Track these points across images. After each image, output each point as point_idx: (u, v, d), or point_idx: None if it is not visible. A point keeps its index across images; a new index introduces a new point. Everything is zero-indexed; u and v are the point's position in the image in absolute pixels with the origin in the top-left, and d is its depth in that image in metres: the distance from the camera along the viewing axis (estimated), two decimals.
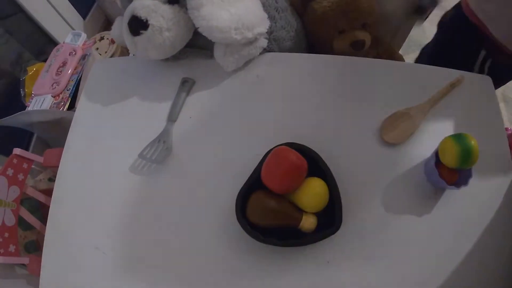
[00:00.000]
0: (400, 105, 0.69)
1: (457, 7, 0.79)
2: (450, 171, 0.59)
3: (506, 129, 0.70)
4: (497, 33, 0.71)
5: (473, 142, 0.54)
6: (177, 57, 0.74)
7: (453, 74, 0.72)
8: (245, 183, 0.58)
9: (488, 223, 0.60)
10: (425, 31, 1.72)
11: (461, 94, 0.70)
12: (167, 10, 0.64)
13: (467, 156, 0.55)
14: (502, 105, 1.61)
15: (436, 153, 0.60)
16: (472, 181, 0.57)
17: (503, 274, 0.57)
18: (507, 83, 1.60)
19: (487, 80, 0.73)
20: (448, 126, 0.67)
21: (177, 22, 0.65)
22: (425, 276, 0.57)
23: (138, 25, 0.64)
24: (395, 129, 0.67)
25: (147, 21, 0.64)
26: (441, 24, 0.82)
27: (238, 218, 0.55)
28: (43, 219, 0.90)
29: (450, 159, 0.57)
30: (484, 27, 0.72)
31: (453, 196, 0.61)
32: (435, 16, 0.87)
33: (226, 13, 0.62)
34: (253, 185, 0.57)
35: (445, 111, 0.69)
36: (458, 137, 0.56)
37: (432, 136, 0.65)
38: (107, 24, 1.64)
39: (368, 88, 0.72)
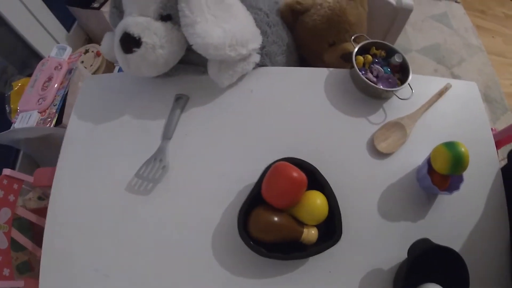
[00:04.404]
0: (391, 115, 0.71)
1: None
2: (442, 177, 0.61)
3: (491, 129, 0.73)
4: None
5: (463, 149, 0.56)
6: (169, 74, 0.74)
7: (440, 82, 0.75)
8: (245, 200, 0.58)
9: (479, 225, 0.62)
10: (409, 37, 1.77)
11: (449, 100, 0.73)
12: (160, 27, 0.64)
13: (458, 163, 0.57)
14: (484, 105, 1.68)
15: (428, 161, 0.61)
16: (463, 185, 0.59)
17: (495, 272, 0.59)
18: (489, 83, 1.67)
19: (472, 86, 0.76)
20: (438, 133, 0.69)
21: (170, 40, 0.65)
22: None
23: (130, 43, 0.64)
24: (388, 139, 0.69)
25: (140, 38, 0.63)
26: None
27: (240, 234, 0.55)
28: (34, 238, 0.88)
29: (442, 166, 0.58)
30: None
31: (445, 201, 0.64)
32: None
33: (220, 30, 0.63)
34: (254, 200, 0.58)
35: (434, 118, 0.72)
36: (449, 145, 0.58)
37: (422, 144, 0.67)
38: (92, 37, 1.61)
39: (359, 99, 0.73)
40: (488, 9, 1.99)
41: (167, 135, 0.69)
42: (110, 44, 0.75)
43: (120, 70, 1.27)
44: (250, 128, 0.71)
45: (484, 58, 1.76)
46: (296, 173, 0.54)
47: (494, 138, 0.71)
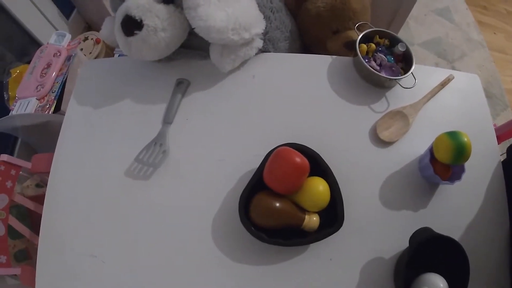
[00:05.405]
0: (393, 104, 0.71)
1: None
2: (444, 167, 0.61)
3: None
4: None
5: (466, 139, 0.56)
6: (171, 58, 0.73)
7: (442, 73, 0.74)
8: (247, 185, 0.57)
9: (480, 215, 0.62)
10: (412, 31, 1.77)
11: (451, 92, 0.73)
12: (162, 9, 0.63)
13: (461, 152, 0.56)
14: None
15: (431, 150, 0.61)
16: (464, 176, 0.59)
17: (494, 261, 0.60)
18: (490, 79, 1.67)
19: (474, 78, 0.75)
20: (440, 123, 0.69)
21: (173, 22, 0.64)
22: None
23: (132, 25, 0.63)
24: (390, 127, 0.69)
25: (141, 21, 0.62)
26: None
27: (242, 220, 0.55)
28: (32, 226, 0.88)
29: (444, 155, 0.58)
30: None
31: (447, 191, 0.64)
32: None
33: (223, 14, 0.62)
34: (255, 186, 0.57)
35: (437, 109, 0.71)
36: (452, 134, 0.57)
37: (424, 134, 0.67)
38: (91, 24, 1.60)
39: (362, 87, 0.73)
40: (490, 5, 1.98)
41: (167, 120, 0.68)
42: (110, 28, 0.73)
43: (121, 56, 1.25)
44: (252, 113, 0.70)
45: (486, 53, 1.76)
46: (299, 158, 0.54)
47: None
